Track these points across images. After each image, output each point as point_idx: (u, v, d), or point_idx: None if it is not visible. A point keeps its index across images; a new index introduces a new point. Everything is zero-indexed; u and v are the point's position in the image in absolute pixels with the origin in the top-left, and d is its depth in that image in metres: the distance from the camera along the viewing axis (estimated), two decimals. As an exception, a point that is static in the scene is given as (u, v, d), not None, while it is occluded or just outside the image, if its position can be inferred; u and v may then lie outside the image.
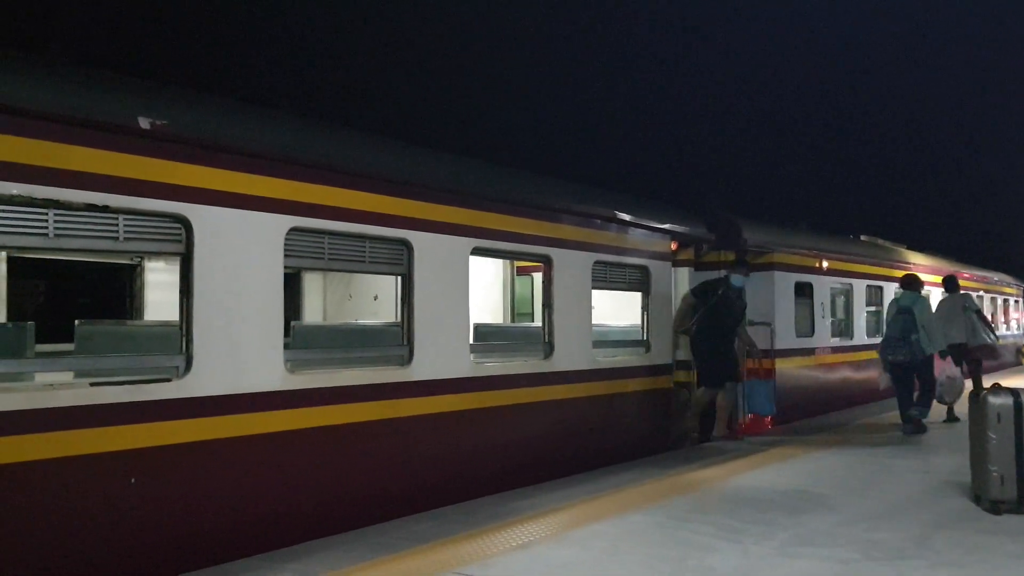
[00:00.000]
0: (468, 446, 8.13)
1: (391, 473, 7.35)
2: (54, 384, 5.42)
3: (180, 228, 5.93)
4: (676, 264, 11.80)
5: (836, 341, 16.02)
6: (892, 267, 18.83)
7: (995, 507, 7.21)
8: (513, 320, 12.16)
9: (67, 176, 5.30)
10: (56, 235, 5.37)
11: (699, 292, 11.33)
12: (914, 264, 20.22)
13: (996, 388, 7.42)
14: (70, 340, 8.10)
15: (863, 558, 5.92)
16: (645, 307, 10.87)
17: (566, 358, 9.33)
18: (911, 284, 12.67)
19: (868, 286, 17.40)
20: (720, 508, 7.44)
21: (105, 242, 5.67)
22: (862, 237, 19.95)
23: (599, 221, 10.05)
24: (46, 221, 5.31)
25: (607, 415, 10.02)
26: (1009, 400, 7.26)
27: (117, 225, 5.63)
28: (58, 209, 5.32)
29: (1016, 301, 30.54)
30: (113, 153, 5.53)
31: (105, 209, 5.50)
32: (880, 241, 20.20)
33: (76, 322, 8.17)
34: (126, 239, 5.72)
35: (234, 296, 6.19)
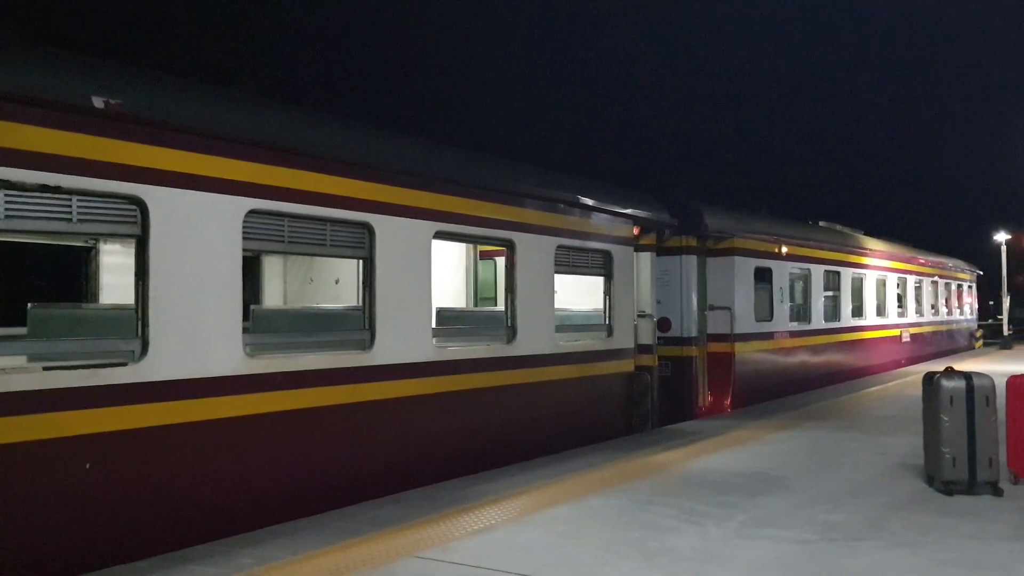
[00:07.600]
0: (430, 430, 8.11)
1: (353, 458, 7.31)
2: (6, 368, 5.30)
3: (135, 210, 5.82)
4: (638, 249, 11.86)
5: (794, 325, 16.27)
6: (850, 253, 19.11)
7: (947, 488, 7.36)
8: (476, 304, 12.14)
9: (18, 156, 5.17)
10: (7, 216, 5.24)
11: None
12: (871, 250, 20.53)
13: (949, 371, 7.56)
14: (23, 324, 7.93)
15: (820, 539, 6.02)
16: (608, 292, 10.92)
17: (529, 342, 9.34)
18: None
19: (826, 271, 17.64)
20: (681, 491, 7.52)
21: (58, 224, 5.55)
22: (821, 223, 20.19)
23: (562, 206, 10.05)
24: None
25: (569, 399, 10.06)
26: (962, 383, 7.41)
27: (71, 206, 5.51)
28: (9, 190, 5.19)
29: (970, 286, 31.19)
30: (66, 133, 5.41)
31: (58, 190, 5.38)
32: (838, 227, 20.46)
33: (29, 305, 7.99)
34: (80, 220, 5.61)
35: (191, 279, 6.09)
